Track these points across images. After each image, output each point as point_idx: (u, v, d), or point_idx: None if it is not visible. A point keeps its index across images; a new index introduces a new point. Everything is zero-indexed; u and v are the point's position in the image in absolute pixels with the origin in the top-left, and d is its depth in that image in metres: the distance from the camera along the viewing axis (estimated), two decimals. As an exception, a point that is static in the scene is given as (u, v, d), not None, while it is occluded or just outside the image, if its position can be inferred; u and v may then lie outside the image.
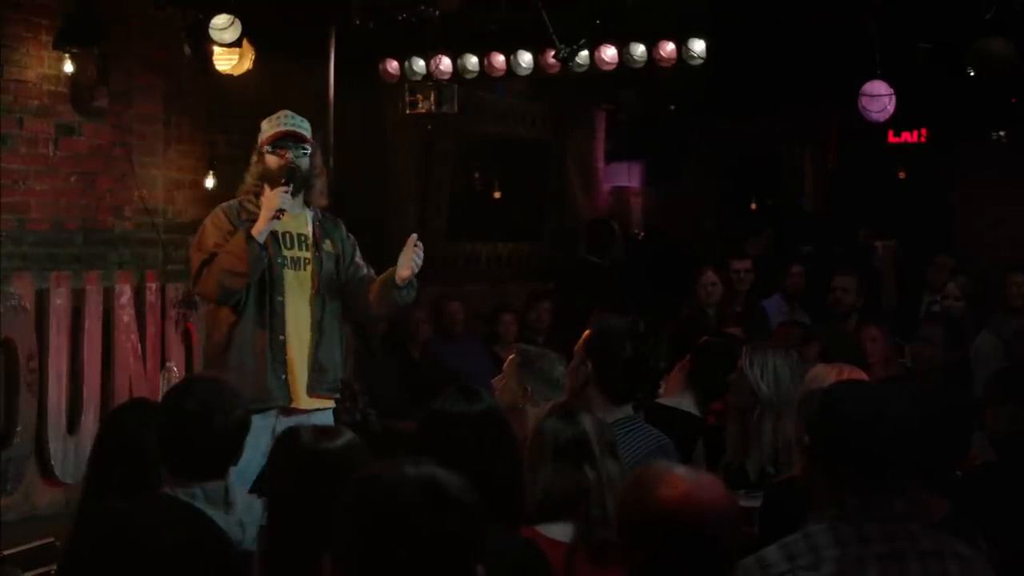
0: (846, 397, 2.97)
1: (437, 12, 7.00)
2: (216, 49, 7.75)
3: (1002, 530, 3.91)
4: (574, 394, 4.70)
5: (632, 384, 4.81)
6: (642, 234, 13.65)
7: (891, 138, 12.65)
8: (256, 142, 5.83)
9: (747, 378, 5.06)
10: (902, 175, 12.47)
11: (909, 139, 12.84)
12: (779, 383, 5.03)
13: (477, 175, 11.53)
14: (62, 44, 7.33)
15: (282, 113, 5.85)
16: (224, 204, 5.87)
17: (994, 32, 7.10)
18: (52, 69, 7.38)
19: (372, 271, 5.95)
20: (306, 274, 5.75)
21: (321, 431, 3.09)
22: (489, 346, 10.29)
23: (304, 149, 5.77)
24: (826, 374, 4.44)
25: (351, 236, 5.99)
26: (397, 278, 5.67)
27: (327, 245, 5.83)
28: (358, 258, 5.96)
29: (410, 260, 5.65)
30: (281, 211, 5.59)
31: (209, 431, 3.45)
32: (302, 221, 5.82)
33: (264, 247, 5.58)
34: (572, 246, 12.22)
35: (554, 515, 3.64)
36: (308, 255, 5.77)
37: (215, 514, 3.38)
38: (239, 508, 3.48)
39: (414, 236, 5.74)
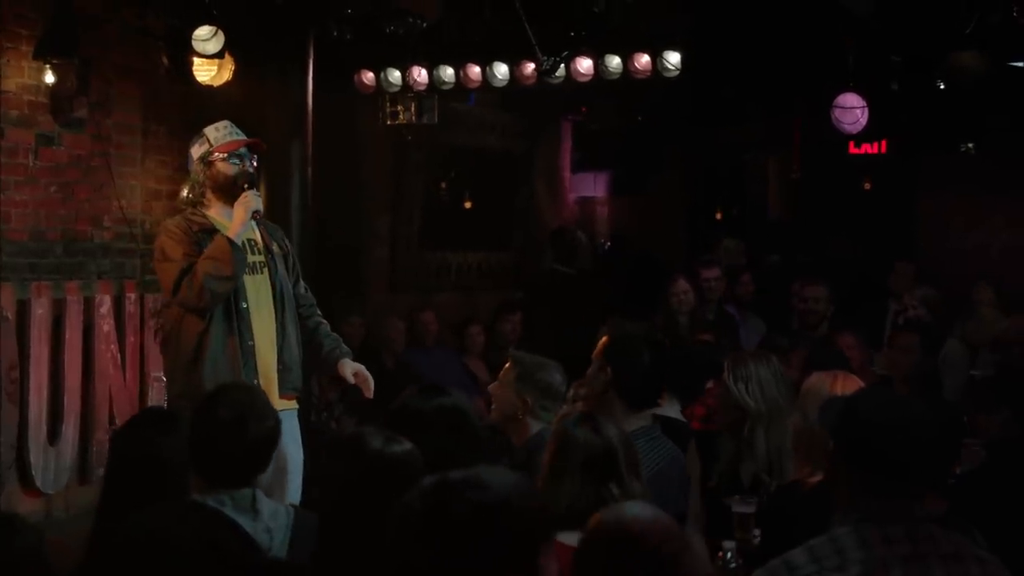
0: (869, 404, 3.05)
1: (424, 24, 7.05)
2: (196, 60, 7.74)
3: (993, 532, 4.00)
4: (592, 400, 4.75)
5: (651, 390, 4.87)
6: (608, 243, 13.74)
7: (852, 149, 12.75)
8: (198, 152, 5.88)
9: (732, 394, 5.07)
10: (867, 186, 12.61)
11: (870, 151, 12.94)
12: (765, 392, 5.04)
13: (443, 185, 11.56)
14: (42, 54, 7.32)
15: (227, 123, 5.94)
16: (169, 221, 5.93)
17: (966, 46, 7.21)
18: (32, 79, 7.37)
19: (309, 292, 6.16)
20: (263, 277, 5.84)
21: (388, 437, 3.12)
22: (460, 357, 10.35)
23: (255, 159, 5.86)
24: (823, 381, 4.49)
25: (289, 244, 6.14)
26: (336, 367, 5.99)
27: (275, 247, 5.94)
28: (299, 269, 6.12)
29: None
30: (257, 212, 5.70)
31: (242, 440, 3.49)
32: (249, 227, 5.86)
33: (241, 249, 5.65)
34: (539, 255, 12.29)
35: (574, 527, 3.70)
36: (262, 259, 5.86)
37: (243, 521, 3.43)
38: (265, 515, 3.52)
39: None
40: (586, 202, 14.01)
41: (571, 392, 5.35)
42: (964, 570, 2.94)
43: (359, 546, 2.91)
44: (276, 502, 3.64)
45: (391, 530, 2.29)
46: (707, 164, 13.83)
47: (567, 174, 13.55)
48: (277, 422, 3.63)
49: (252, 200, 5.70)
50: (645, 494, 3.89)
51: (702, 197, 14.12)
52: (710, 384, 6.17)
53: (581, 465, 3.79)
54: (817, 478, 4.18)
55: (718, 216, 13.98)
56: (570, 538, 3.67)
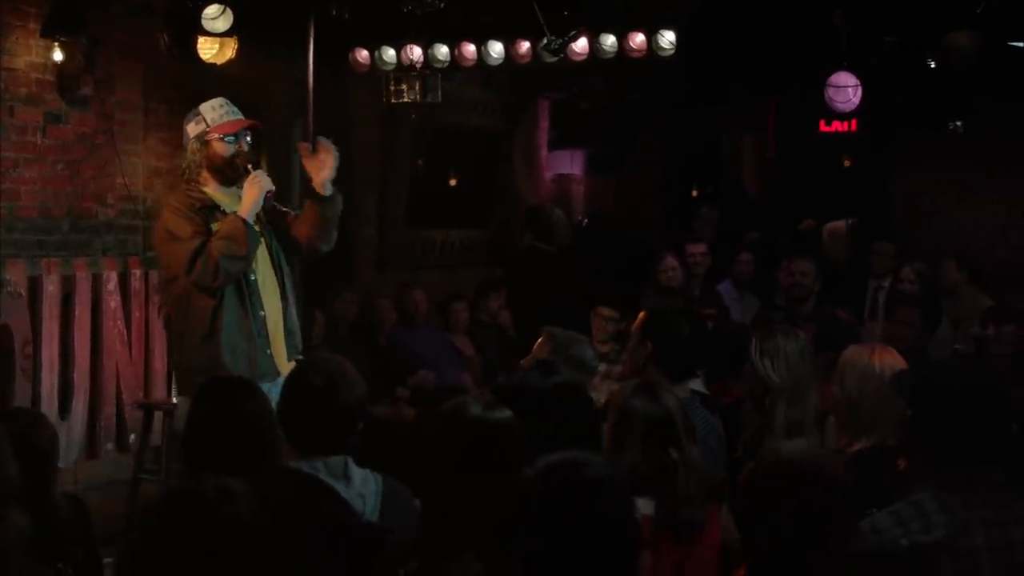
0: (944, 374, 3.20)
1: (442, 4, 7.10)
2: (200, 38, 7.76)
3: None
4: (633, 374, 4.86)
5: (691, 363, 4.98)
6: (586, 221, 13.82)
7: (823, 128, 12.86)
8: (194, 131, 5.91)
9: (757, 368, 5.06)
10: (847, 163, 12.74)
11: (840, 129, 13.04)
12: (790, 368, 5.12)
13: (420, 162, 11.59)
14: (50, 32, 7.35)
15: (223, 100, 5.97)
16: (171, 199, 5.99)
17: (963, 26, 7.34)
18: (40, 57, 7.40)
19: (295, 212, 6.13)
20: (263, 248, 5.89)
21: (487, 404, 3.21)
22: (446, 334, 10.43)
23: (249, 136, 5.93)
24: (861, 353, 4.59)
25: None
26: (316, 185, 5.87)
27: (262, 215, 5.95)
28: (279, 207, 6.07)
29: (321, 161, 5.86)
30: (270, 192, 5.76)
31: (334, 406, 3.59)
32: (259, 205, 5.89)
33: (255, 228, 5.72)
34: (517, 233, 12.38)
35: (638, 493, 3.82)
36: (258, 229, 5.87)
37: (338, 487, 3.52)
38: (357, 482, 3.61)
39: (321, 140, 5.91)
40: (563, 180, 14.10)
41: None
42: (1044, 531, 3.08)
43: (463, 513, 3.01)
44: (366, 469, 3.72)
45: (511, 507, 2.43)
46: (683, 143, 13.92)
47: (544, 152, 13.64)
48: (365, 390, 3.72)
49: (264, 181, 5.76)
50: (701, 458, 4.03)
51: (678, 175, 14.22)
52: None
53: (642, 433, 3.90)
54: (857, 447, 4.33)
55: (694, 194, 14.10)
56: (639, 505, 3.81)
